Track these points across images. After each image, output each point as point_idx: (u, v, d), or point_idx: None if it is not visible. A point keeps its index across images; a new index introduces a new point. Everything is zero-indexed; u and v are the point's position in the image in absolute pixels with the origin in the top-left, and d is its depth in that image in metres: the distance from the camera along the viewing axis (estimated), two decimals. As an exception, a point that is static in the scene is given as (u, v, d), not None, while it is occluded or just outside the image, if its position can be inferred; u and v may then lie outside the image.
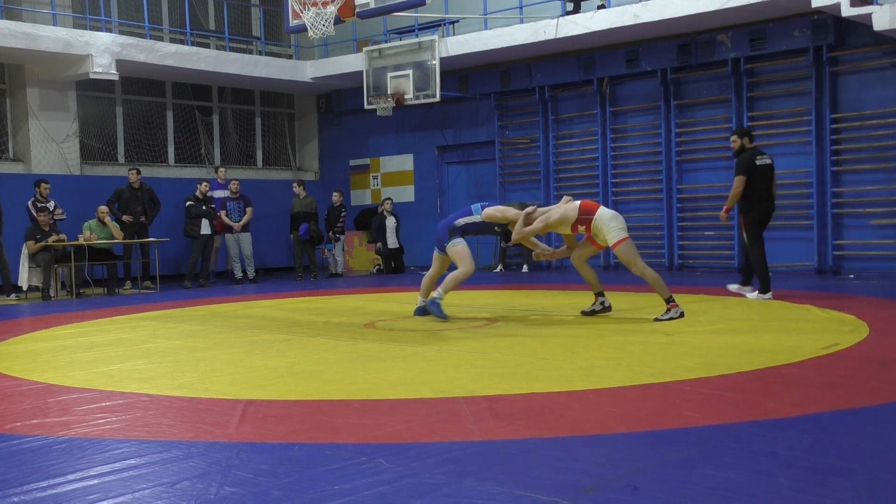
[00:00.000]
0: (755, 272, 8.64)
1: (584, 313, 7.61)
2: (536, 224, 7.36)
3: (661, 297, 7.27)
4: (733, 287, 8.99)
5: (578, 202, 7.43)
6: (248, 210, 13.70)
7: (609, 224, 7.24)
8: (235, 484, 2.97)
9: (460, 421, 3.78)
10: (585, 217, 7.28)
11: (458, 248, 7.54)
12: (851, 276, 11.15)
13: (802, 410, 3.82)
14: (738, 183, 8.45)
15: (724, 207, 8.64)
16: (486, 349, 5.81)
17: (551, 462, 3.14)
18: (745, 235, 8.69)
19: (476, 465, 3.13)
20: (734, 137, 8.78)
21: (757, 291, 8.59)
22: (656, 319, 7.06)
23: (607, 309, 7.61)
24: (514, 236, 7.47)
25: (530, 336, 6.46)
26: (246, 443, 3.52)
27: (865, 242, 11.47)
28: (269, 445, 3.48)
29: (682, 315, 7.10)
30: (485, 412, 3.90)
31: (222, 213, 13.58)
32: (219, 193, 13.87)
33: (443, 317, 7.44)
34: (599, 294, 7.64)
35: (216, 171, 14.17)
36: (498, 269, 14.04)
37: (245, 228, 13.67)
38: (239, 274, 13.68)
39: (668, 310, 7.15)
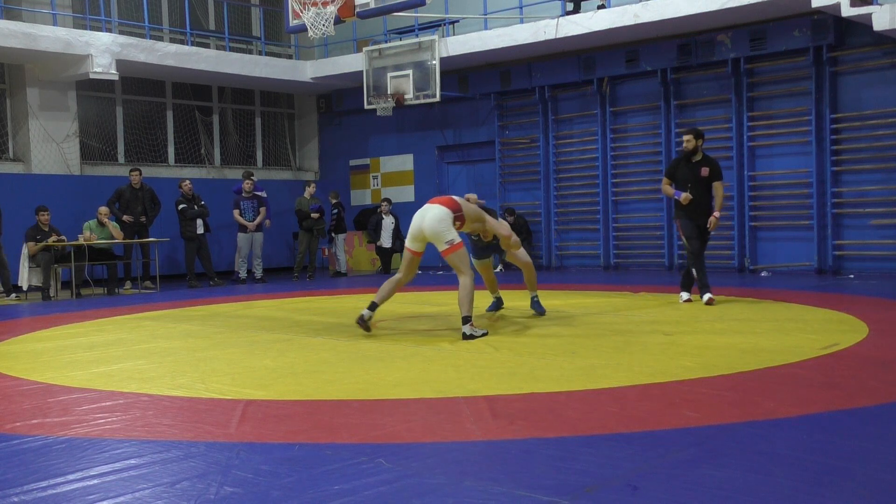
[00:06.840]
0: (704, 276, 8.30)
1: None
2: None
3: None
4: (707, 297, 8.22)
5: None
6: (262, 210, 13.71)
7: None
8: (235, 484, 2.97)
9: (460, 421, 3.78)
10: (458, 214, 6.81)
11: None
12: (851, 276, 11.14)
13: (802, 410, 3.82)
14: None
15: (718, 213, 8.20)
16: (487, 349, 5.82)
17: (551, 462, 3.13)
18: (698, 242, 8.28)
19: (476, 465, 3.13)
20: (690, 137, 8.23)
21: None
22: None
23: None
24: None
25: (530, 336, 6.46)
26: (246, 443, 3.52)
27: (865, 242, 11.47)
28: (269, 445, 3.48)
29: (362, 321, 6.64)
30: (485, 412, 3.90)
31: (236, 213, 13.60)
32: (259, 193, 13.91)
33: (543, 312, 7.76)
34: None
35: (245, 179, 13.85)
36: (498, 269, 14.03)
37: (259, 228, 13.68)
38: (243, 274, 13.67)
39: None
